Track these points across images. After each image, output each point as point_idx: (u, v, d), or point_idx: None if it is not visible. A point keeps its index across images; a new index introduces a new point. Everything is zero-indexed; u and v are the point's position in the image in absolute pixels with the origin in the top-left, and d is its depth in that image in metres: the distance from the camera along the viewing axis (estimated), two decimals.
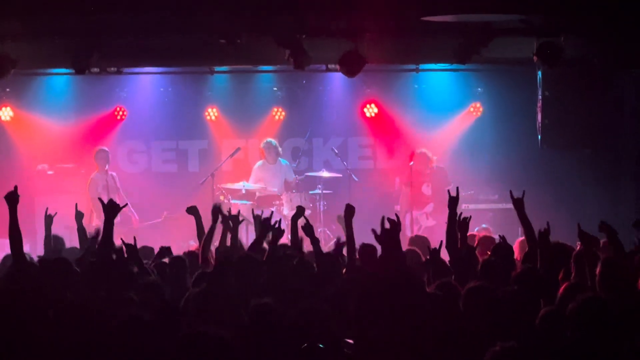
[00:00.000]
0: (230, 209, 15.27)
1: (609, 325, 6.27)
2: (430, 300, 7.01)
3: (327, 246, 13.18)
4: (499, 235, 9.74)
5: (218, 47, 14.33)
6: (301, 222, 9.55)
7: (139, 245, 9.12)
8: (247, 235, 15.47)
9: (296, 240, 9.58)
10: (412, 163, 17.01)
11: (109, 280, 7.96)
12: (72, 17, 13.80)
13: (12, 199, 8.28)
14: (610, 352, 6.20)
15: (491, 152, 18.07)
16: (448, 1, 13.55)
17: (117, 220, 9.11)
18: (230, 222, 9.90)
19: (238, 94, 18.58)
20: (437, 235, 12.74)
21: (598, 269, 7.71)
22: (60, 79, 18.12)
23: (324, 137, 18.66)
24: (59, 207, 11.75)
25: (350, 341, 6.92)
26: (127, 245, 8.81)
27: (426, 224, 17.13)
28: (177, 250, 10.21)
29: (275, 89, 18.65)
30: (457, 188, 8.97)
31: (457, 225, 8.76)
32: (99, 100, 18.34)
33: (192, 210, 10.34)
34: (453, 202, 8.83)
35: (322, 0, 13.78)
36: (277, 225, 9.18)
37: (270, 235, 9.14)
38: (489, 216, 16.93)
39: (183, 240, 15.20)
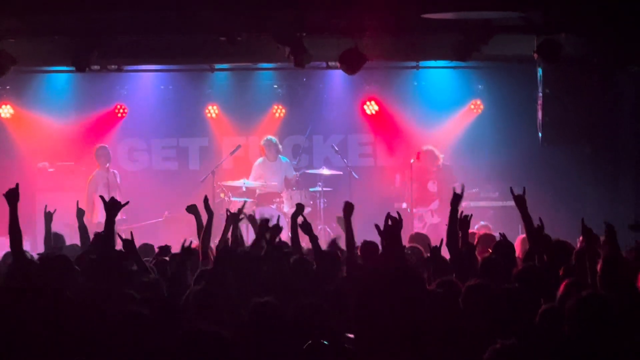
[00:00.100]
0: (230, 207, 15.27)
1: (608, 322, 6.26)
2: (430, 298, 7.01)
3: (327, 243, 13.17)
4: (499, 233, 9.74)
5: (218, 45, 14.33)
6: (299, 220, 9.57)
7: (139, 243, 9.12)
8: (247, 233, 15.47)
9: (296, 238, 9.59)
10: (412, 160, 17.07)
11: (110, 277, 7.97)
12: (72, 15, 13.79)
13: (13, 196, 8.28)
14: (609, 349, 6.20)
15: (491, 149, 18.07)
16: None
17: (122, 217, 9.12)
18: (230, 219, 9.92)
19: (238, 92, 18.59)
20: (441, 232, 12.76)
21: (599, 266, 7.71)
22: (60, 77, 18.13)
23: (324, 135, 18.66)
24: (60, 205, 11.74)
25: (351, 335, 6.93)
26: (125, 240, 8.81)
27: (431, 221, 17.16)
28: (177, 249, 10.20)
29: (275, 86, 18.66)
30: (463, 185, 8.95)
31: (458, 223, 8.76)
32: (99, 98, 18.36)
33: (192, 209, 10.34)
34: (456, 199, 8.81)
35: None
36: (274, 223, 9.18)
37: (268, 233, 9.14)
38: (489, 214, 16.94)
39: (184, 239, 15.18)
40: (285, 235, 10.78)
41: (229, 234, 9.82)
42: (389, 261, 7.62)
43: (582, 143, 16.51)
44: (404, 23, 13.96)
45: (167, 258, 9.30)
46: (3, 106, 18.22)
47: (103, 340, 6.48)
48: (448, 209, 8.85)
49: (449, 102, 18.34)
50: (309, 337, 6.69)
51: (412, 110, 18.40)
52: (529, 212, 8.86)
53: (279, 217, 9.69)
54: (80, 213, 10.91)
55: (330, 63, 16.51)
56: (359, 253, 9.58)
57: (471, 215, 9.07)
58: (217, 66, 17.92)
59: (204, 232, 9.57)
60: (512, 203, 14.33)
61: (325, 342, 6.63)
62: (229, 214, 10.13)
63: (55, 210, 10.83)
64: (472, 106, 18.35)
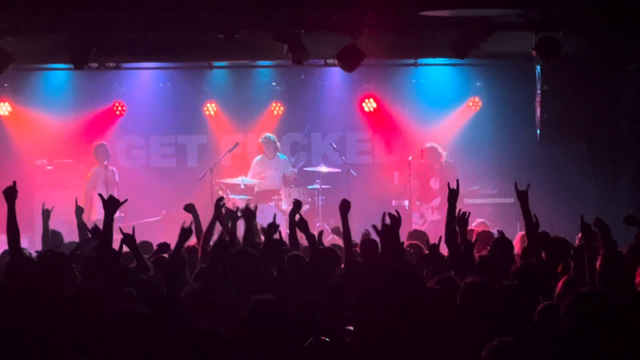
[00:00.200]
0: (237, 207, 15.24)
1: (605, 319, 6.26)
2: (430, 295, 7.02)
3: (326, 241, 13.17)
4: (497, 231, 9.75)
5: (217, 42, 14.33)
6: (296, 217, 9.57)
7: (138, 241, 9.11)
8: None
9: (293, 235, 9.60)
10: (411, 158, 17.10)
11: (108, 275, 7.96)
12: (71, 13, 13.78)
13: (11, 194, 8.27)
14: (606, 346, 6.20)
15: (490, 146, 18.06)
16: None
17: (120, 215, 9.11)
18: (229, 217, 9.92)
19: (237, 89, 18.58)
20: (441, 229, 12.75)
21: (598, 263, 7.72)
22: (58, 74, 18.11)
23: (322, 132, 18.66)
24: (58, 203, 11.74)
25: (351, 328, 6.94)
26: (126, 234, 8.81)
27: (431, 218, 17.17)
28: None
29: (273, 83, 18.65)
30: (458, 181, 8.95)
31: (456, 220, 8.75)
32: (97, 96, 18.34)
33: (190, 208, 10.33)
34: (453, 195, 8.80)
35: None
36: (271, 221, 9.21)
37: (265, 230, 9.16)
38: (487, 211, 16.94)
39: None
40: (284, 233, 10.78)
41: (218, 230, 9.81)
42: (388, 259, 7.62)
43: (580, 141, 16.51)
44: (403, 20, 13.95)
45: (165, 255, 9.29)
46: (1, 104, 18.20)
47: (101, 339, 6.47)
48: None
49: (448, 100, 18.34)
50: (307, 333, 6.69)
51: (411, 107, 18.40)
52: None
53: (275, 215, 9.65)
54: (79, 210, 10.91)
55: (328, 60, 16.50)
56: (358, 250, 9.59)
57: (469, 212, 9.07)
58: (216, 64, 17.90)
59: (206, 230, 9.57)
60: (510, 200, 14.44)
61: (326, 339, 6.63)
62: (225, 210, 10.11)
63: (53, 207, 10.84)
64: (471, 103, 18.35)
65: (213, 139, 18.78)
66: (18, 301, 6.88)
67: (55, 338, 6.60)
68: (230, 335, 6.29)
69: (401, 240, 8.19)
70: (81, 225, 10.68)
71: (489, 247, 9.37)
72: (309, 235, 9.10)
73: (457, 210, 8.81)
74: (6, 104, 18.20)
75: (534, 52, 14.05)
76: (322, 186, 17.33)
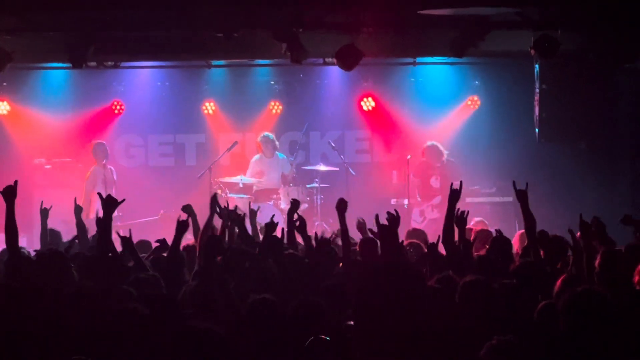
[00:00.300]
0: (227, 203, 15.24)
1: (603, 317, 6.26)
2: (429, 294, 7.01)
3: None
4: (495, 230, 9.75)
5: (215, 41, 14.32)
6: (295, 217, 9.59)
7: (135, 240, 9.12)
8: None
9: (292, 235, 9.60)
10: (409, 156, 17.14)
11: (107, 274, 7.97)
12: (69, 11, 13.78)
13: (10, 193, 8.28)
14: (604, 344, 6.20)
15: (488, 145, 18.07)
16: None
17: (118, 214, 9.11)
18: (229, 217, 9.93)
19: (235, 88, 18.57)
20: (440, 227, 12.78)
21: (597, 262, 7.72)
22: (57, 73, 18.10)
23: (321, 131, 18.66)
24: (57, 201, 11.74)
25: (351, 322, 6.94)
26: (123, 237, 8.82)
27: (431, 216, 17.17)
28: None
29: (272, 82, 18.65)
30: (461, 182, 8.94)
31: (454, 220, 8.75)
32: (96, 94, 18.34)
33: (187, 209, 10.33)
34: (454, 196, 8.79)
35: None
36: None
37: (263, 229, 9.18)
38: (486, 209, 16.95)
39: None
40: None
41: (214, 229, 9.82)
42: (387, 258, 7.62)
43: (578, 139, 16.52)
44: (401, 19, 13.95)
45: (164, 254, 9.29)
46: (0, 103, 18.21)
47: (100, 338, 6.47)
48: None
49: (446, 98, 18.34)
50: (307, 334, 6.69)
51: (409, 106, 18.40)
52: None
53: (273, 215, 9.66)
54: (78, 210, 10.91)
55: (327, 59, 16.49)
56: (357, 249, 9.60)
57: (467, 211, 9.06)
58: (214, 62, 17.90)
59: (204, 228, 9.58)
60: (509, 199, 14.41)
61: (326, 338, 6.64)
62: (221, 210, 10.12)
63: (51, 206, 10.85)
64: (469, 102, 18.35)
65: (211, 138, 18.78)
66: (16, 300, 6.88)
67: (53, 337, 6.59)
68: (229, 334, 6.28)
69: (400, 239, 8.21)
70: (80, 224, 10.69)
71: (487, 246, 9.37)
72: (305, 237, 9.11)
73: (456, 210, 8.81)
74: (5, 103, 18.21)
75: (532, 51, 14.06)
76: (321, 185, 17.34)
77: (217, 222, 10.30)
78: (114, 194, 13.97)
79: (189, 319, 6.62)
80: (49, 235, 10.77)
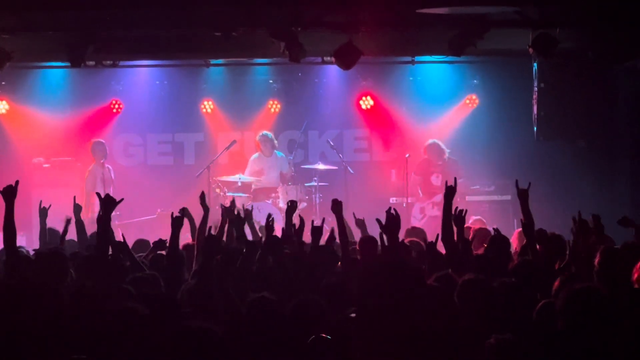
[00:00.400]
0: (226, 202, 15.26)
1: (601, 315, 6.27)
2: (429, 292, 7.02)
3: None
4: (493, 228, 9.75)
5: (214, 40, 14.32)
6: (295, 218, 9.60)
7: (133, 240, 9.13)
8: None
9: (290, 235, 9.60)
10: (408, 155, 17.18)
11: (106, 273, 7.97)
12: (67, 10, 13.77)
13: (10, 193, 8.27)
14: (602, 342, 6.20)
15: (487, 143, 18.08)
16: None
17: (116, 213, 9.11)
18: (228, 216, 9.94)
19: (234, 87, 18.57)
20: (439, 225, 12.81)
21: (597, 260, 7.73)
22: (56, 72, 18.10)
23: (319, 130, 18.66)
24: (55, 201, 11.73)
25: (353, 315, 6.95)
26: (117, 242, 8.83)
27: (431, 213, 17.17)
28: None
29: (270, 81, 18.65)
30: (455, 179, 8.95)
31: (452, 218, 8.76)
32: (94, 93, 18.34)
33: (184, 212, 10.30)
34: (449, 193, 8.79)
35: None
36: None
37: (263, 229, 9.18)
38: (484, 207, 16.96)
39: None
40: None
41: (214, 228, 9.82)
42: (388, 257, 7.63)
43: (577, 138, 16.52)
44: (399, 18, 13.95)
45: (163, 252, 9.29)
46: None
47: (99, 337, 6.47)
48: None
49: (445, 97, 18.34)
50: (306, 332, 6.70)
51: (408, 105, 18.41)
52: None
53: (269, 215, 9.67)
54: (77, 209, 10.91)
55: (325, 58, 16.48)
56: (357, 248, 9.60)
57: (466, 210, 9.07)
58: (213, 61, 17.89)
59: (199, 227, 9.59)
60: (507, 197, 14.39)
61: (327, 337, 6.65)
62: (223, 209, 10.15)
63: (50, 206, 10.84)
64: (468, 101, 18.36)
65: (210, 136, 18.79)
66: (15, 300, 6.87)
67: (52, 337, 6.59)
68: (228, 333, 6.29)
69: (400, 237, 8.20)
70: (79, 223, 10.69)
71: (485, 245, 9.37)
72: (300, 243, 9.10)
73: (454, 208, 8.81)
74: (4, 102, 18.20)
75: (530, 50, 14.06)
76: (320, 184, 17.35)
77: (217, 220, 10.33)
78: (111, 193, 14.02)
79: (188, 318, 6.63)
80: (48, 235, 10.76)
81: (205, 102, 18.59)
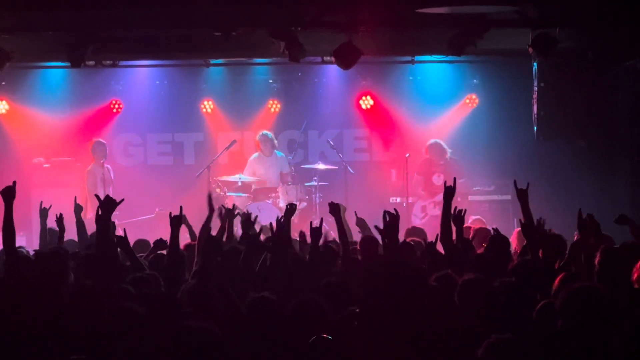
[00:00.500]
0: (226, 202, 15.28)
1: (600, 314, 6.26)
2: (429, 292, 7.02)
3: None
4: (492, 228, 9.75)
5: (213, 40, 14.32)
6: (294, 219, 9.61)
7: (133, 239, 9.13)
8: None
9: (288, 236, 9.60)
10: (408, 155, 17.18)
11: (106, 273, 7.97)
12: (67, 10, 13.78)
13: (9, 194, 8.28)
14: (602, 342, 6.20)
15: (487, 143, 18.07)
16: None
17: (115, 213, 9.09)
18: (225, 215, 9.94)
19: (233, 87, 18.57)
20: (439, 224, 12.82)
21: (597, 260, 7.72)
22: (55, 72, 18.09)
23: (319, 130, 18.66)
24: (56, 201, 11.73)
25: (357, 310, 6.95)
26: (118, 237, 8.83)
27: (432, 213, 17.17)
28: None
29: (270, 81, 18.65)
30: (455, 179, 8.94)
31: (452, 218, 8.76)
32: (94, 93, 18.34)
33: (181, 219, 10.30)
34: (448, 193, 8.79)
35: None
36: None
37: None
38: (484, 207, 16.97)
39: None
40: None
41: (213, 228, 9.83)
42: (389, 257, 7.63)
43: (577, 137, 16.53)
44: (399, 17, 13.94)
45: (163, 252, 9.29)
46: None
47: (99, 337, 6.48)
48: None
49: (445, 97, 18.34)
50: (307, 332, 6.70)
51: (408, 104, 18.41)
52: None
53: (278, 216, 9.67)
54: (77, 209, 10.90)
55: (325, 58, 16.48)
56: (358, 248, 9.60)
57: (465, 210, 9.07)
58: (212, 61, 17.89)
59: (202, 227, 9.58)
60: (507, 197, 14.39)
61: (328, 337, 6.65)
62: (224, 210, 10.16)
63: (50, 206, 10.84)
64: (468, 100, 18.36)
65: (210, 136, 18.79)
66: (15, 300, 6.88)
67: (52, 337, 6.60)
68: (228, 333, 6.29)
69: (400, 237, 8.21)
70: (79, 223, 10.68)
71: (484, 245, 9.37)
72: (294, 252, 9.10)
73: (453, 208, 8.81)
74: (3, 102, 18.20)
75: (530, 49, 14.06)
76: (320, 183, 17.35)
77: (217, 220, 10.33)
78: (111, 193, 14.05)
79: (188, 319, 6.63)
80: (48, 235, 10.77)
81: (205, 102, 18.59)
